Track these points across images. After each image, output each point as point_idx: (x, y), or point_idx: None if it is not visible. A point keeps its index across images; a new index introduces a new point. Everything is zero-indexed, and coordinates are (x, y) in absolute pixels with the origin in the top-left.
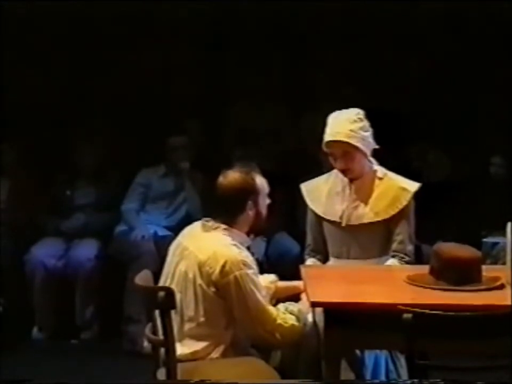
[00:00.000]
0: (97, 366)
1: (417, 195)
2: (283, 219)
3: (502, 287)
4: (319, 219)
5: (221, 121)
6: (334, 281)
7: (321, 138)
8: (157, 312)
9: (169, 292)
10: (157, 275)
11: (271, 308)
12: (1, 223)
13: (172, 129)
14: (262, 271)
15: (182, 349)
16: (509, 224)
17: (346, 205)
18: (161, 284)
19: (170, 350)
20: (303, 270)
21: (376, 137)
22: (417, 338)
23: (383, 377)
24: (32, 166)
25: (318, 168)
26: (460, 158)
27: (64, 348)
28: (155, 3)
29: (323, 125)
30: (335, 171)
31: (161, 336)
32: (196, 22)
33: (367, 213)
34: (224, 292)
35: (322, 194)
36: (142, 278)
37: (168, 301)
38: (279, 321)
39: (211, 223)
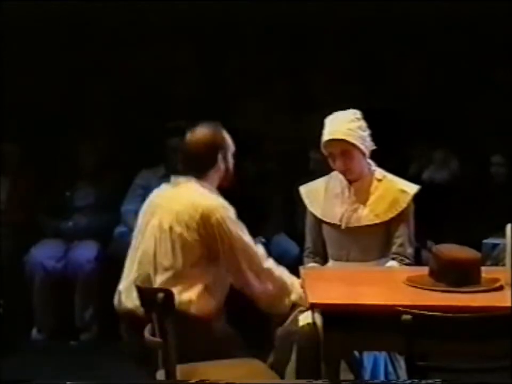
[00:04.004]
0: (96, 367)
1: (416, 196)
2: (282, 220)
3: (501, 288)
4: (318, 221)
5: (220, 122)
6: (333, 283)
7: (320, 139)
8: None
9: (168, 294)
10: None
11: (260, 251)
12: (1, 224)
13: (172, 130)
14: None
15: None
16: (508, 225)
17: (345, 208)
18: (132, 246)
19: (170, 351)
20: (302, 271)
21: (376, 138)
22: (417, 339)
23: (382, 379)
24: (32, 167)
25: (317, 169)
26: (460, 158)
27: (63, 349)
28: (155, 3)
29: (322, 126)
30: (334, 173)
31: (159, 338)
32: (196, 23)
33: (367, 215)
34: (208, 238)
35: (321, 196)
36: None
37: (167, 303)
38: (266, 265)
39: (181, 179)
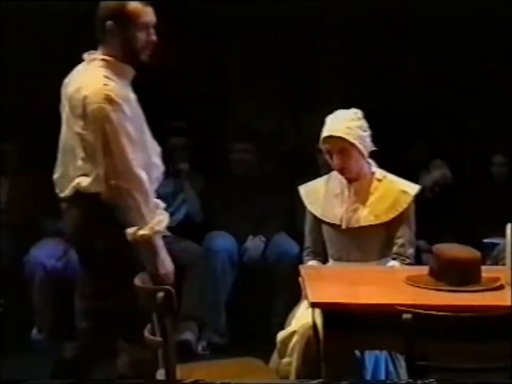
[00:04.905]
0: (96, 367)
1: (417, 197)
2: (282, 220)
3: (501, 287)
4: (318, 221)
5: (220, 122)
6: (334, 282)
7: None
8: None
9: (168, 293)
10: (156, 275)
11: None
12: (1, 224)
13: (172, 130)
14: (261, 272)
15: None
16: (508, 225)
17: (345, 208)
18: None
19: (169, 351)
20: (302, 270)
21: (375, 138)
22: (417, 339)
23: (382, 378)
24: (32, 167)
25: (316, 169)
26: (461, 158)
27: (63, 348)
28: (154, 2)
29: (322, 125)
30: (334, 173)
31: (159, 338)
32: (196, 22)
33: (367, 216)
34: (87, 126)
35: (321, 196)
36: (141, 278)
37: (166, 303)
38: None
39: (91, 55)
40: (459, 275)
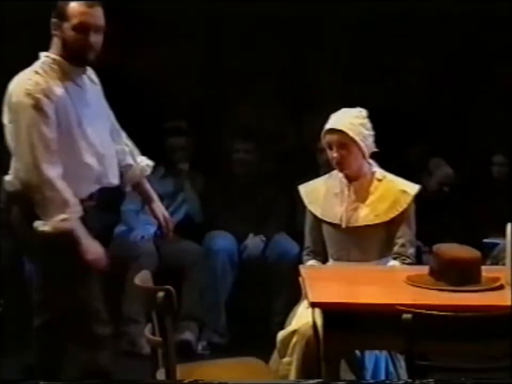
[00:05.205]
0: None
1: (417, 197)
2: (282, 220)
3: (501, 287)
4: (318, 221)
5: (220, 122)
6: (334, 282)
7: (320, 139)
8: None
9: (168, 293)
10: (156, 275)
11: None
12: (0, 224)
13: (172, 130)
14: (261, 271)
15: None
16: (508, 225)
17: (345, 207)
18: None
19: (169, 351)
20: (302, 270)
21: (375, 138)
22: (417, 339)
23: (382, 379)
24: None
25: (316, 169)
26: (461, 158)
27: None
28: (155, 3)
29: (323, 125)
30: (334, 172)
31: (159, 337)
32: (196, 22)
33: (367, 215)
34: (10, 120)
35: (321, 195)
36: (141, 278)
37: (166, 302)
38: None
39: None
40: (459, 275)
